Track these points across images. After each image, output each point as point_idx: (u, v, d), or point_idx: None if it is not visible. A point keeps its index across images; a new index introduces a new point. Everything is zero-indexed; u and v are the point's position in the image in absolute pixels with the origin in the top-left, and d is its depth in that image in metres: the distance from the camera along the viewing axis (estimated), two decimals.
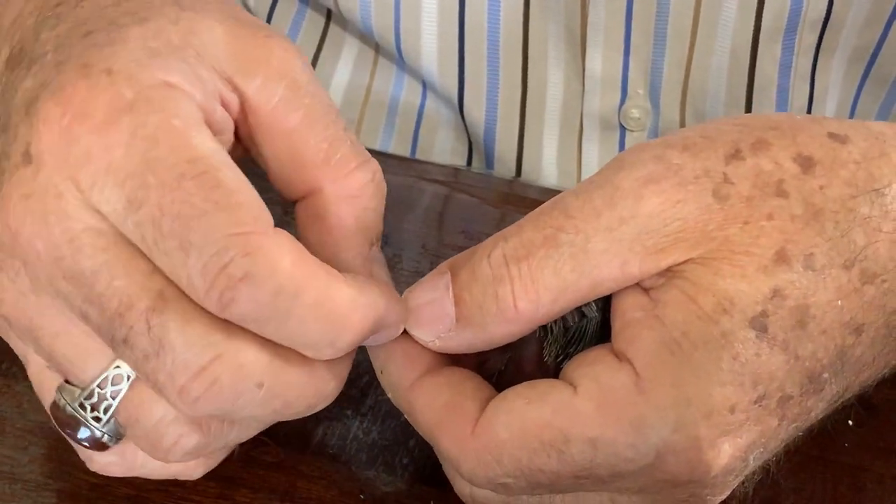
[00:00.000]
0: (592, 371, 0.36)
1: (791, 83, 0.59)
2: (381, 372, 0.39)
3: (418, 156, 0.65)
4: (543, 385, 0.36)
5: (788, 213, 0.35)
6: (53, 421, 0.37)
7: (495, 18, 0.59)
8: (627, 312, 0.36)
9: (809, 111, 0.61)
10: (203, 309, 0.33)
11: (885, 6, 0.59)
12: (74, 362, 0.36)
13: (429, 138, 0.65)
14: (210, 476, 0.42)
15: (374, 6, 0.59)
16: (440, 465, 0.41)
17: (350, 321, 0.34)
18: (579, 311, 0.37)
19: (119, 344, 0.33)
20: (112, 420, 0.36)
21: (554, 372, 0.38)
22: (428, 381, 0.38)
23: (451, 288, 0.37)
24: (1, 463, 0.43)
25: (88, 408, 0.36)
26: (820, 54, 0.60)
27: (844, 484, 0.44)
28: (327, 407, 0.37)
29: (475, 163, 0.65)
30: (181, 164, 0.33)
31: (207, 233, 0.32)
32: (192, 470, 0.40)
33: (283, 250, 0.33)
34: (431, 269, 0.38)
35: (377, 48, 0.64)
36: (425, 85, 0.63)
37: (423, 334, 0.38)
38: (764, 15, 0.56)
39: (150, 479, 0.42)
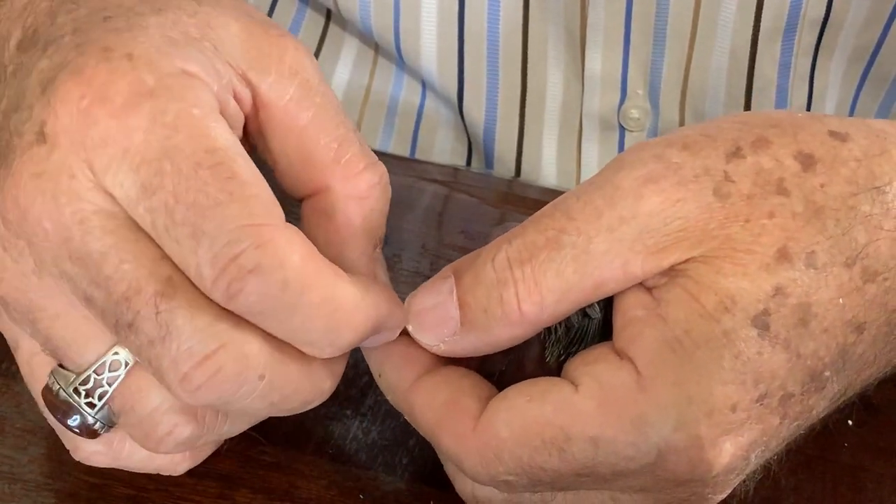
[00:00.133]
0: (594, 369, 0.36)
1: (790, 83, 0.59)
2: (380, 375, 0.39)
3: (418, 156, 0.65)
4: (544, 383, 0.36)
5: (789, 211, 0.35)
6: (44, 405, 0.37)
7: (495, 19, 0.59)
8: (629, 311, 0.36)
9: (809, 111, 0.61)
10: (208, 299, 0.33)
11: (885, 6, 0.59)
12: (72, 346, 0.36)
13: (428, 138, 0.65)
14: (210, 476, 0.42)
15: (374, 6, 0.59)
16: (440, 465, 0.41)
17: (353, 321, 0.34)
18: (582, 311, 0.37)
19: (123, 328, 0.33)
20: (106, 407, 0.36)
21: (556, 371, 0.37)
22: (426, 380, 0.38)
23: (454, 292, 0.37)
24: (1, 463, 0.43)
25: (83, 393, 0.36)
26: (819, 54, 0.60)
27: (844, 484, 0.44)
28: (327, 407, 0.37)
29: (475, 163, 0.65)
30: (198, 153, 0.33)
31: (221, 223, 0.32)
32: (176, 464, 0.40)
33: (293, 245, 0.33)
34: (431, 269, 0.38)
35: (377, 48, 0.64)
36: (425, 85, 0.63)
37: (428, 338, 0.37)
38: (763, 15, 0.56)
39: (149, 480, 0.42)
